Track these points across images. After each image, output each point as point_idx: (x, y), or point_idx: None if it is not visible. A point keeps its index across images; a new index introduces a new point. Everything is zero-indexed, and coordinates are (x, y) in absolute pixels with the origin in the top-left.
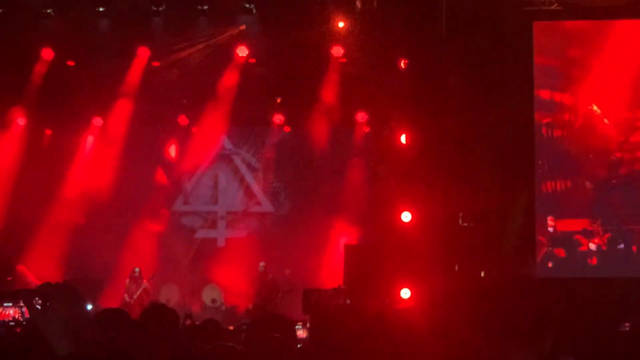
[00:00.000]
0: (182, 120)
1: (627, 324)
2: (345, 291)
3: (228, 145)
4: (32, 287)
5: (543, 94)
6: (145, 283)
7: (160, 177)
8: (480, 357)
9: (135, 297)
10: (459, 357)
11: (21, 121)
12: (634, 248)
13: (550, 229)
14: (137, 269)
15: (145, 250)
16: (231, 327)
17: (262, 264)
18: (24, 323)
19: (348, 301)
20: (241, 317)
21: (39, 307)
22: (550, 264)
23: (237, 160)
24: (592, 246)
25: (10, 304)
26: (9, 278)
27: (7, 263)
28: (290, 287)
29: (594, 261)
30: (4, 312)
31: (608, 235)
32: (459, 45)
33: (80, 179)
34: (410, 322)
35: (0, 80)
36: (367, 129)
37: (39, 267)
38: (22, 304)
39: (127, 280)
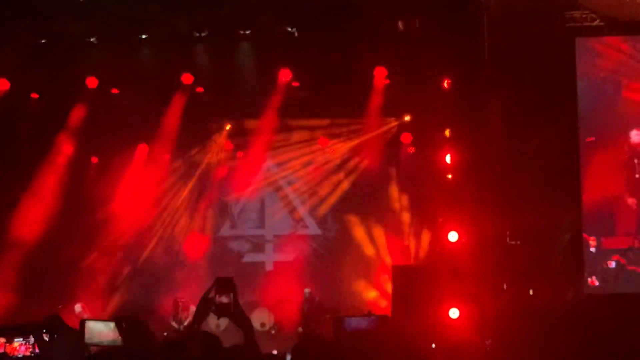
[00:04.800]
0: (227, 145)
1: None
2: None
3: (273, 168)
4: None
5: (587, 111)
6: (193, 307)
7: (208, 199)
8: None
9: (185, 324)
10: None
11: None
12: None
13: (592, 249)
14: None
15: (191, 276)
16: (275, 352)
17: (307, 290)
18: (33, 356)
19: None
20: (291, 341)
21: (47, 339)
22: (598, 282)
23: (283, 183)
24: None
25: (21, 340)
26: (60, 306)
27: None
28: (337, 310)
29: None
30: (15, 347)
31: None
32: (501, 63)
33: (127, 201)
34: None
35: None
36: (412, 150)
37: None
38: (31, 339)
39: (172, 310)
